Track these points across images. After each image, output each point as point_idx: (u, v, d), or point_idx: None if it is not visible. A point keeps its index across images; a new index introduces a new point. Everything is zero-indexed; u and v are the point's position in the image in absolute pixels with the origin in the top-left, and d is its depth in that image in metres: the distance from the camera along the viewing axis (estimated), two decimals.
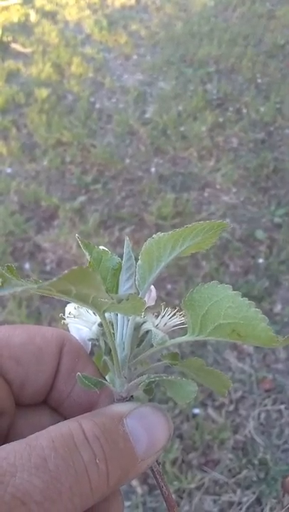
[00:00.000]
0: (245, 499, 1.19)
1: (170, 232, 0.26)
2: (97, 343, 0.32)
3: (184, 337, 0.27)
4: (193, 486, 1.20)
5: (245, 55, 2.76)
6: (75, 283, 0.21)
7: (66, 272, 0.19)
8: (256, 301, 1.61)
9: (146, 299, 0.33)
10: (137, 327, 0.30)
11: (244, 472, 1.23)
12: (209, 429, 1.29)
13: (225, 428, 1.29)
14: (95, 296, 0.23)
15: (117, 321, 0.30)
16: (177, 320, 0.29)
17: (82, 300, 0.23)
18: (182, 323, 0.29)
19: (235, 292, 0.25)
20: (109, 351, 0.29)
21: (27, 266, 1.72)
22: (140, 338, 0.30)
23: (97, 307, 0.24)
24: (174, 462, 1.23)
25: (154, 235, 0.27)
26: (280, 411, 1.35)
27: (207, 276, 1.68)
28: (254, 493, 1.20)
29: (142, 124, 2.32)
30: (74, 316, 0.32)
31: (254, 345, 0.24)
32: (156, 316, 0.31)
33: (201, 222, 0.26)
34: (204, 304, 0.25)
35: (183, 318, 0.28)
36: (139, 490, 1.18)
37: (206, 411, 1.33)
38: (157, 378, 0.27)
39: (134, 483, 1.19)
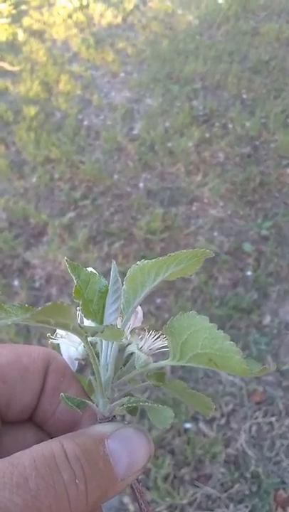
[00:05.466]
0: None
1: (154, 260, 0.28)
2: (83, 363, 0.33)
3: (165, 361, 0.28)
4: (185, 501, 1.19)
5: (231, 71, 2.81)
6: (52, 316, 0.22)
7: (42, 307, 0.21)
8: (245, 314, 1.63)
9: (132, 320, 0.34)
10: (122, 349, 0.31)
11: (236, 486, 1.23)
12: (201, 444, 1.29)
13: (216, 442, 1.29)
14: (74, 325, 0.24)
15: (102, 342, 0.31)
16: (161, 343, 0.30)
17: (63, 327, 0.24)
18: (165, 346, 0.30)
19: (211, 324, 0.26)
20: (94, 372, 0.30)
21: (16, 283, 1.72)
22: (125, 359, 0.31)
23: (79, 333, 0.25)
24: (165, 478, 1.23)
25: (138, 262, 0.28)
26: (271, 423, 1.36)
27: (196, 289, 1.70)
28: (247, 507, 1.20)
29: (129, 141, 2.35)
30: (61, 336, 0.33)
31: (231, 373, 0.26)
32: (142, 337, 0.32)
33: (185, 250, 0.27)
34: (183, 333, 0.27)
35: (166, 342, 0.29)
36: (130, 507, 1.17)
37: (198, 425, 1.34)
38: (134, 404, 0.28)
39: (126, 500, 1.18)
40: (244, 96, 2.66)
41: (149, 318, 1.57)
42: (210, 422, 1.35)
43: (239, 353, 0.25)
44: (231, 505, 1.20)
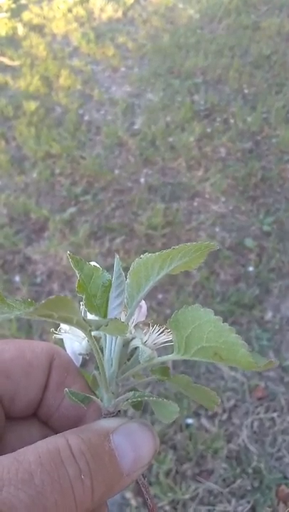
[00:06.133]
0: (240, 509, 1.19)
1: (158, 253, 0.27)
2: (87, 357, 0.33)
3: (170, 355, 0.28)
4: (187, 496, 1.19)
5: (232, 66, 2.80)
6: (55, 310, 0.21)
7: (44, 300, 0.20)
8: (247, 309, 1.62)
9: (136, 315, 0.33)
10: (126, 343, 0.31)
11: (238, 481, 1.23)
12: (203, 439, 1.29)
13: (218, 437, 1.29)
14: (78, 319, 0.23)
15: (106, 336, 0.31)
16: (165, 337, 0.30)
17: (67, 322, 0.24)
18: (170, 341, 0.29)
19: (216, 317, 0.26)
20: (98, 366, 0.30)
21: (17, 278, 1.72)
22: (129, 353, 0.31)
23: (83, 327, 0.25)
24: (167, 473, 1.23)
25: (142, 255, 0.28)
26: (272, 419, 1.36)
27: (198, 285, 1.69)
28: (249, 502, 1.20)
29: (130, 136, 2.34)
30: (65, 331, 0.33)
31: (236, 366, 0.25)
32: (146, 332, 0.32)
33: (189, 243, 0.27)
34: (188, 326, 0.26)
35: (171, 336, 0.29)
36: (133, 502, 1.17)
37: (199, 421, 1.34)
38: (139, 399, 0.27)
39: (128, 495, 1.18)
40: (245, 91, 2.64)
41: (151, 314, 1.57)
42: (212, 417, 1.35)
43: (244, 346, 0.24)
44: (233, 501, 1.20)
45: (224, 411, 1.36)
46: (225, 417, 1.35)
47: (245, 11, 3.38)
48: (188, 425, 1.32)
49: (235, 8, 3.40)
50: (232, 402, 1.38)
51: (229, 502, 1.20)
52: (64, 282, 1.70)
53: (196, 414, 1.35)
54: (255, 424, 1.34)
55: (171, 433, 1.30)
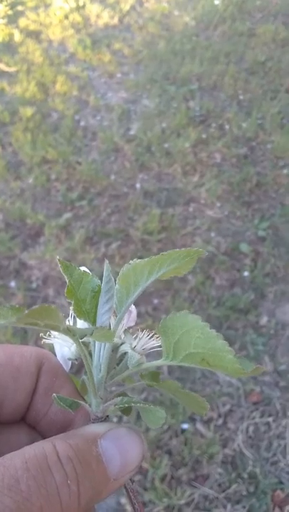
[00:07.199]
0: None
1: (147, 259, 0.27)
2: (76, 362, 0.33)
3: (158, 361, 0.28)
4: (183, 502, 1.19)
5: (227, 72, 2.82)
6: (40, 318, 0.22)
7: (29, 309, 0.20)
8: (242, 314, 1.63)
9: (125, 320, 0.33)
10: (115, 348, 0.31)
11: (234, 486, 1.23)
12: (198, 444, 1.29)
13: (214, 442, 1.29)
14: (63, 327, 0.24)
15: (95, 342, 0.31)
16: (155, 342, 0.30)
17: (54, 329, 0.24)
18: (159, 346, 0.29)
19: (204, 323, 0.26)
20: (87, 371, 0.30)
21: (12, 284, 1.72)
22: (118, 358, 0.31)
23: (69, 335, 0.25)
24: (163, 478, 1.23)
25: (131, 261, 0.28)
26: (268, 423, 1.36)
27: (193, 290, 1.69)
28: (244, 507, 1.20)
29: (126, 141, 2.35)
30: (54, 336, 0.33)
31: (223, 373, 0.26)
32: (136, 337, 0.32)
33: (178, 249, 0.27)
34: (176, 332, 0.27)
35: (160, 341, 0.29)
36: (128, 508, 1.17)
37: (195, 426, 1.33)
38: (126, 404, 0.28)
39: (124, 501, 1.18)
40: (241, 97, 2.66)
41: (146, 319, 1.57)
42: (207, 422, 1.34)
43: (231, 352, 0.25)
44: (229, 506, 1.20)
45: (219, 416, 1.36)
46: (220, 421, 1.35)
47: (241, 18, 3.41)
48: (183, 430, 1.32)
49: (231, 15, 3.43)
50: (227, 407, 1.38)
51: (225, 507, 1.20)
52: (59, 288, 1.70)
53: (192, 420, 1.35)
54: (251, 428, 1.34)
55: (167, 438, 1.30)
